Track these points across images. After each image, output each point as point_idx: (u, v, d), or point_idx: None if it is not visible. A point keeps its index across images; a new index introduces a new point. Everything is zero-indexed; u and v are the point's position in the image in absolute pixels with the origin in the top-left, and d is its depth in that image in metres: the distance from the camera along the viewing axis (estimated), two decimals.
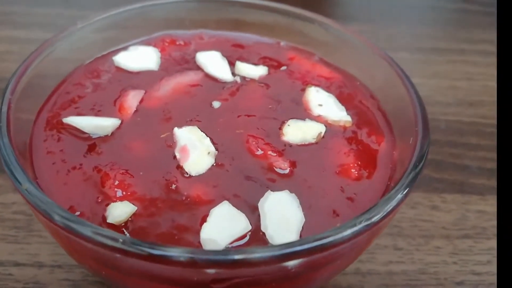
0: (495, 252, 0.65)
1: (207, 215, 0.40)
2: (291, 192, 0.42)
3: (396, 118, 0.54)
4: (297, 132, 0.49)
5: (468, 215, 0.70)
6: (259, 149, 0.47)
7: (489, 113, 0.90)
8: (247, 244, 0.38)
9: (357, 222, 0.35)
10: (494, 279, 0.62)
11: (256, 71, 0.58)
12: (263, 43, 0.64)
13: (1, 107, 0.43)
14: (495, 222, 0.69)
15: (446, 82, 0.98)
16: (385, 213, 0.36)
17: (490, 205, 0.72)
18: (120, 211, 0.39)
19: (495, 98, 0.93)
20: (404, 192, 0.38)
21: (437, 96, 0.94)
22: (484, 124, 0.88)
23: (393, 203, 0.37)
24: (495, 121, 0.88)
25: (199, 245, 0.38)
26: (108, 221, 0.39)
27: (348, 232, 0.34)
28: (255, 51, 0.62)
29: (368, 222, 0.35)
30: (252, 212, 0.41)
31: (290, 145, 0.48)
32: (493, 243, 0.66)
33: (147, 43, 0.61)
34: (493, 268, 0.63)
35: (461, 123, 0.88)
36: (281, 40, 0.65)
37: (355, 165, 0.46)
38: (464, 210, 0.71)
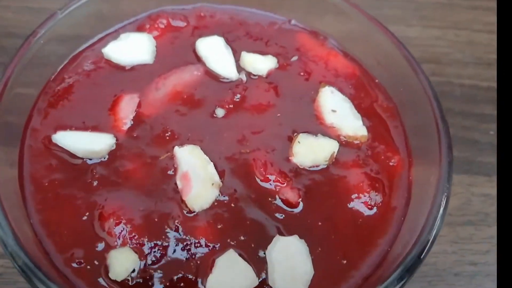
0: (494, 241, 0.66)
1: (212, 263, 0.39)
2: (300, 236, 0.40)
3: (414, 129, 0.49)
4: (308, 152, 0.45)
5: (473, 199, 0.69)
6: (266, 176, 0.43)
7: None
8: None
9: None
10: (490, 269, 0.63)
11: (264, 64, 0.52)
12: (269, 22, 0.56)
13: None
14: None
15: (465, 35, 0.90)
16: None
17: (495, 187, 0.71)
18: (121, 263, 0.37)
19: None
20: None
21: (455, 54, 0.87)
22: None
23: None
24: None
25: None
26: (110, 276, 0.37)
27: None
28: (262, 33, 0.55)
29: None
30: (259, 259, 0.39)
31: (300, 169, 0.45)
32: (494, 230, 0.67)
33: (140, 26, 0.53)
34: (491, 258, 0.64)
35: (477, 89, 0.83)
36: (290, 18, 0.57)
37: (369, 194, 0.44)
38: (469, 193, 0.70)
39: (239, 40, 0.54)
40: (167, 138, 0.45)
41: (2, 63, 0.70)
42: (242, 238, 0.40)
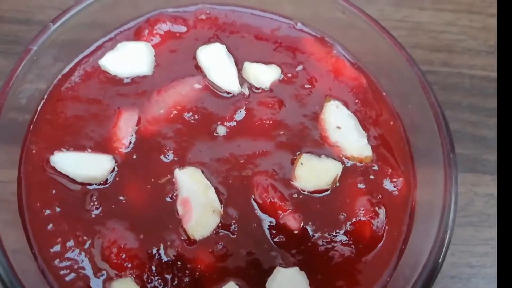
0: (493, 243, 0.66)
1: None
2: (300, 268, 0.40)
3: (420, 151, 0.48)
4: (311, 175, 0.45)
5: (475, 200, 0.69)
6: (268, 202, 0.43)
7: None
8: None
9: None
10: (487, 272, 0.64)
11: (268, 76, 0.50)
12: (274, 25, 0.54)
13: None
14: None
15: (480, 19, 0.86)
16: None
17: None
18: None
19: None
20: None
21: (468, 41, 0.84)
22: None
23: None
24: None
25: None
26: None
27: None
28: (266, 38, 0.53)
29: None
30: None
31: (302, 194, 0.44)
32: (494, 232, 0.67)
33: (138, 31, 0.51)
34: (488, 260, 0.65)
35: (487, 80, 0.80)
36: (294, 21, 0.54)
37: (371, 221, 0.43)
38: (472, 193, 0.69)
39: (242, 46, 0.52)
40: (168, 160, 0.44)
41: None
42: (242, 268, 0.41)
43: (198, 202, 0.42)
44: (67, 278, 0.39)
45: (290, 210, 0.43)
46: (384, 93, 0.51)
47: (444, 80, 0.78)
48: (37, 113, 0.46)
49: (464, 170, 0.71)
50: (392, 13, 0.83)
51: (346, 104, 0.49)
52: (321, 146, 0.47)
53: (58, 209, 0.42)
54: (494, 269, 0.65)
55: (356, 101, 0.50)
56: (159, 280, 0.40)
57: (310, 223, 0.43)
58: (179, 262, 0.41)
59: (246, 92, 0.49)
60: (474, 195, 0.69)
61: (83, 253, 0.40)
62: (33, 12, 0.73)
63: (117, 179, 0.43)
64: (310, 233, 0.43)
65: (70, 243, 0.41)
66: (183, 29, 0.52)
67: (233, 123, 0.47)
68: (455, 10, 0.86)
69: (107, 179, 0.43)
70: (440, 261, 0.39)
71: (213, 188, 0.43)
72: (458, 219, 0.67)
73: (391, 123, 0.49)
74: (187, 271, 0.40)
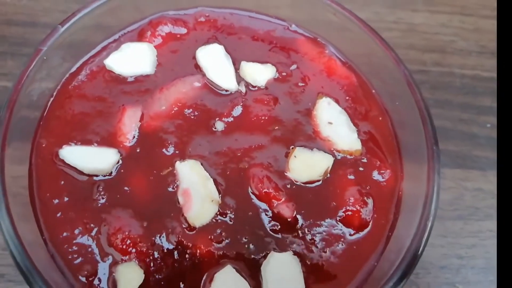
0: (482, 235, 0.69)
1: (211, 277, 0.42)
2: (293, 252, 0.43)
3: (407, 145, 0.51)
4: (304, 167, 0.47)
5: (465, 194, 0.71)
6: (263, 192, 0.46)
7: None
8: None
9: None
10: (476, 263, 0.67)
11: (263, 75, 0.53)
12: (270, 27, 0.57)
13: None
14: (490, 202, 0.71)
15: (472, 21, 0.89)
16: None
17: (489, 182, 0.73)
18: (128, 278, 0.41)
19: None
20: None
21: (459, 42, 0.86)
22: None
23: None
24: None
25: None
26: None
27: None
28: (263, 39, 0.56)
29: None
30: (255, 274, 0.43)
31: (295, 185, 0.47)
32: (483, 224, 0.69)
33: (141, 33, 0.54)
34: (477, 252, 0.67)
35: (478, 79, 0.83)
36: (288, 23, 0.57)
37: (360, 210, 0.46)
38: (462, 188, 0.72)
39: (239, 46, 0.55)
40: (169, 153, 0.47)
41: (2, 53, 0.72)
42: (239, 253, 0.43)
43: (197, 192, 0.45)
44: (76, 262, 0.42)
45: (283, 200, 0.46)
46: (373, 91, 0.54)
47: (436, 79, 0.81)
48: (47, 110, 0.49)
49: (454, 166, 0.74)
50: (387, 15, 0.86)
51: (337, 101, 0.52)
52: (314, 140, 0.50)
53: (66, 199, 0.45)
54: (482, 260, 0.67)
55: (347, 98, 0.53)
56: (161, 264, 0.43)
57: (302, 211, 0.46)
58: (180, 248, 0.43)
59: (243, 90, 0.52)
60: (464, 190, 0.72)
61: (90, 239, 0.43)
62: (38, 15, 0.76)
63: (122, 171, 0.46)
64: (303, 221, 0.46)
65: (78, 230, 0.43)
66: (184, 30, 0.55)
67: (230, 119, 0.50)
68: (447, 12, 0.89)
69: (112, 171, 0.46)
70: (421, 246, 0.41)
71: (211, 179, 0.46)
72: (448, 212, 0.70)
73: (380, 119, 0.52)
74: (187, 256, 0.43)
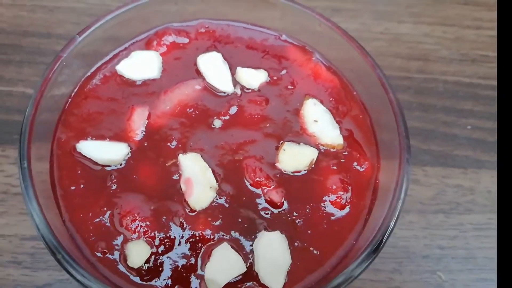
0: (463, 228, 0.74)
1: (209, 253, 0.48)
2: (281, 232, 0.49)
3: (383, 141, 0.57)
4: (291, 159, 0.54)
5: (447, 190, 0.77)
6: (256, 180, 0.52)
7: (490, 71, 0.91)
8: (242, 281, 0.47)
9: None
10: (457, 253, 0.72)
11: (257, 79, 0.59)
12: (263, 37, 0.63)
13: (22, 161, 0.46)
14: (469, 197, 0.76)
15: (453, 31, 0.96)
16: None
17: (469, 179, 0.78)
18: (137, 253, 0.47)
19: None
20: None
21: (442, 51, 0.93)
22: (483, 86, 0.89)
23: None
24: (494, 82, 0.89)
25: (203, 283, 0.47)
26: (128, 264, 0.47)
27: None
28: (256, 47, 0.62)
29: None
30: (248, 250, 0.49)
31: (284, 174, 0.53)
32: (463, 218, 0.75)
33: (148, 42, 0.61)
34: (457, 242, 0.73)
35: (459, 85, 0.89)
36: (279, 33, 0.64)
37: (341, 196, 0.52)
38: (443, 184, 0.77)
39: (235, 54, 0.62)
40: (173, 147, 0.54)
41: (19, 62, 0.79)
42: (234, 233, 0.49)
43: (198, 180, 0.51)
44: (92, 239, 0.48)
45: (273, 187, 0.52)
46: (354, 93, 0.60)
47: (420, 85, 0.87)
48: (65, 109, 0.55)
49: (436, 164, 0.80)
50: (374, 26, 0.93)
51: (322, 102, 0.58)
52: (301, 136, 0.56)
53: (83, 186, 0.51)
54: (462, 251, 0.72)
55: (331, 99, 0.59)
56: (167, 242, 0.49)
57: (290, 197, 0.52)
58: (182, 228, 0.49)
59: (238, 92, 0.58)
60: (445, 186, 0.77)
61: (104, 220, 0.49)
62: (52, 27, 0.82)
63: (131, 162, 0.52)
64: (290, 205, 0.51)
65: (93, 213, 0.50)
66: (186, 40, 0.62)
67: (227, 117, 0.56)
68: (430, 23, 0.95)
69: (123, 162, 0.52)
70: (391, 223, 0.47)
71: (210, 169, 0.52)
72: (431, 207, 0.76)
73: (360, 117, 0.58)
74: (189, 235, 0.49)
